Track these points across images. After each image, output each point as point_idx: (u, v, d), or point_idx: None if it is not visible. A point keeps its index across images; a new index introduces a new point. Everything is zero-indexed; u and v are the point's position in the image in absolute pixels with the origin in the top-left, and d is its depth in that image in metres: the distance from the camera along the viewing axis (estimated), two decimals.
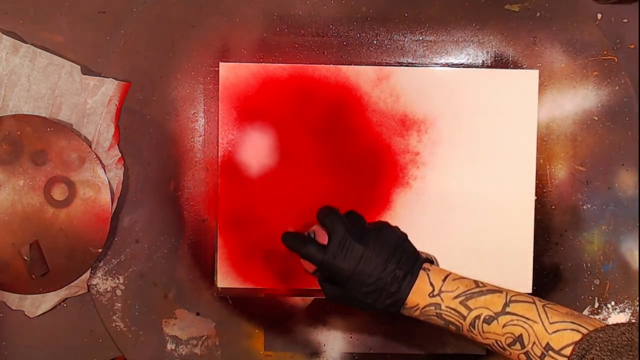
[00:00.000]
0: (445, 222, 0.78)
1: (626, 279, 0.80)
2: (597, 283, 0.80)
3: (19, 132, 0.74)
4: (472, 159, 0.78)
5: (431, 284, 0.59)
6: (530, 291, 0.78)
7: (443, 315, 0.59)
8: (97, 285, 0.78)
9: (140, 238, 0.78)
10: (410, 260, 0.60)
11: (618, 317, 0.80)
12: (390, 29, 0.78)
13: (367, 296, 0.60)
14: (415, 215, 0.78)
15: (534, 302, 0.57)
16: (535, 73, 0.77)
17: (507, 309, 0.57)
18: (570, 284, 0.80)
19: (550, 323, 0.55)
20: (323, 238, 0.63)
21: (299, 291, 0.79)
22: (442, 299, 0.59)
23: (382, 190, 0.78)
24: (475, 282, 0.60)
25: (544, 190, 0.79)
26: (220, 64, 0.76)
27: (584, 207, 0.79)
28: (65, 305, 0.79)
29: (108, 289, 0.78)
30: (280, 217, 0.77)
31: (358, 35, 0.78)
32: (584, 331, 0.54)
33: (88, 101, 0.76)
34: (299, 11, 0.77)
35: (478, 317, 0.58)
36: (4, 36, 0.75)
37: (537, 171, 0.78)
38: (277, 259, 0.78)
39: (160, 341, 0.79)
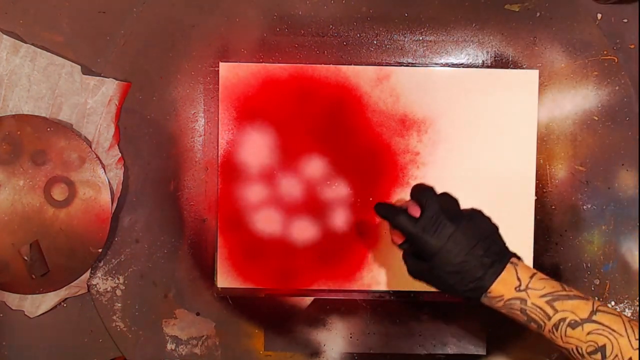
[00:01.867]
0: None
1: (626, 279, 0.80)
2: (597, 283, 0.80)
3: (19, 132, 0.74)
4: (472, 159, 0.78)
5: (518, 279, 0.59)
6: None
7: (528, 312, 0.59)
8: (97, 285, 0.78)
9: (140, 238, 0.78)
10: (499, 251, 0.61)
11: None
12: (390, 29, 0.78)
13: (450, 276, 0.60)
14: None
15: (620, 316, 0.57)
16: (535, 73, 0.77)
17: (594, 317, 0.57)
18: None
19: (636, 339, 0.56)
20: (415, 212, 0.63)
21: (299, 291, 0.79)
22: (528, 295, 0.59)
23: (382, 190, 0.78)
24: (561, 284, 0.60)
25: (544, 190, 0.79)
26: (220, 64, 0.76)
27: (584, 207, 0.79)
28: (65, 305, 0.79)
29: (108, 289, 0.79)
30: (280, 216, 0.77)
31: (358, 35, 0.78)
32: None
33: (88, 101, 0.77)
34: (299, 11, 0.77)
35: (563, 319, 0.58)
36: (4, 36, 0.75)
37: (537, 171, 0.78)
38: (277, 259, 0.78)
39: (160, 341, 0.79)
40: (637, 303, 0.80)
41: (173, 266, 0.79)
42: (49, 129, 0.75)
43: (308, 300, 0.80)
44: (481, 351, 0.80)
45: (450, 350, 0.80)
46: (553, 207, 0.80)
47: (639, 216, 0.79)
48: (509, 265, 0.60)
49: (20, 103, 0.76)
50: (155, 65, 0.77)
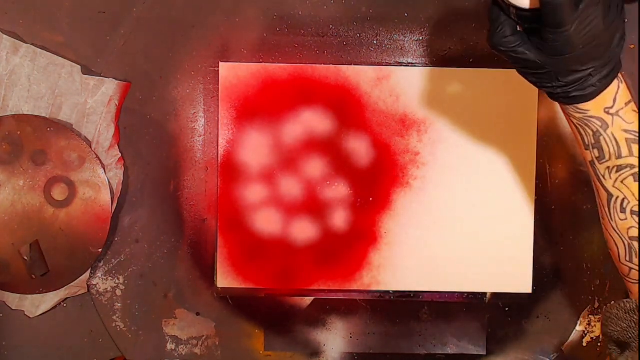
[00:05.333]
0: (445, 222, 0.78)
1: None
2: (597, 283, 0.80)
3: (19, 132, 0.74)
4: (472, 159, 0.78)
5: (615, 99, 0.49)
6: (530, 291, 0.78)
7: (600, 138, 0.50)
8: (97, 285, 0.78)
9: (140, 238, 0.78)
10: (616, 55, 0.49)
11: None
12: (390, 29, 0.78)
13: (578, 61, 0.46)
14: (415, 215, 0.78)
15: None
16: None
17: None
18: (570, 284, 0.80)
19: None
20: None
21: (299, 291, 0.79)
22: (613, 122, 0.49)
23: (382, 190, 0.78)
24: None
25: (544, 190, 0.79)
26: (220, 64, 0.76)
27: (584, 207, 0.79)
28: (65, 305, 0.79)
29: (108, 289, 0.79)
30: (280, 216, 0.77)
31: (358, 35, 0.78)
32: None
33: (88, 101, 0.77)
34: (299, 11, 0.77)
35: (631, 166, 0.50)
36: (5, 36, 0.75)
37: (537, 171, 0.78)
38: (277, 259, 0.78)
39: (160, 341, 0.79)
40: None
41: (173, 266, 0.79)
42: (49, 129, 0.75)
43: (308, 300, 0.80)
44: (481, 351, 0.80)
45: (450, 350, 0.80)
46: (553, 207, 0.80)
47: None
48: (615, 80, 0.49)
49: (20, 103, 0.76)
50: (155, 65, 0.77)
